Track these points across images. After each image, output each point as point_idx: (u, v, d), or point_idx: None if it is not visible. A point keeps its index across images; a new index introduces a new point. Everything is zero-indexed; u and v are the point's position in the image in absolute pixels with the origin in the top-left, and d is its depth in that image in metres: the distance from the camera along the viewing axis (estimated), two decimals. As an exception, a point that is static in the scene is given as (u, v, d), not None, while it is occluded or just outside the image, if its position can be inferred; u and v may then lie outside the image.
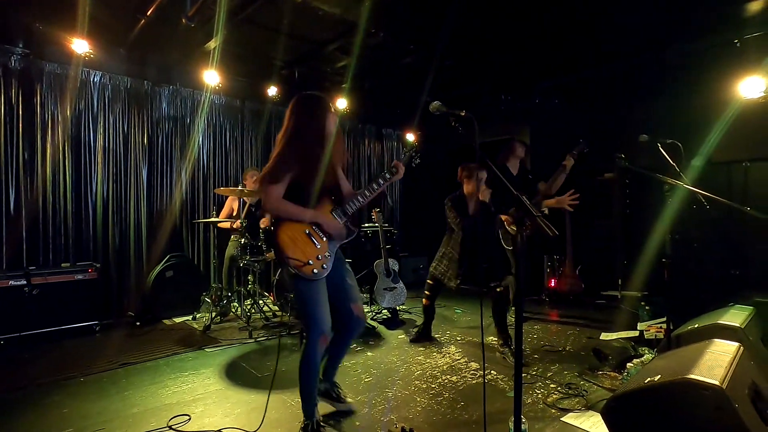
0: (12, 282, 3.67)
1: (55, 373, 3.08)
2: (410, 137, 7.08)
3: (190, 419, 2.44)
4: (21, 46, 4.12)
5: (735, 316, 2.46)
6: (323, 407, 2.45)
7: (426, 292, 3.77)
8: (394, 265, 4.66)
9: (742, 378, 1.73)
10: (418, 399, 2.70)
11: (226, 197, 4.95)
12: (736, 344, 1.94)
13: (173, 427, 2.35)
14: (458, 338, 3.93)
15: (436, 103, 1.94)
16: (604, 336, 3.89)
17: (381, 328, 4.31)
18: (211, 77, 4.69)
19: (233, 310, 4.58)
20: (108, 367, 3.21)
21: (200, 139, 5.30)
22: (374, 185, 2.34)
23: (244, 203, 4.44)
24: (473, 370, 3.16)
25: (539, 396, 2.71)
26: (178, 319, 4.54)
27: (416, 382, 2.95)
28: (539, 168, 5.78)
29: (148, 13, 3.82)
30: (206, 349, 3.64)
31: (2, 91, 4.05)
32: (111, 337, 4.00)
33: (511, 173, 4.22)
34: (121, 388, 2.86)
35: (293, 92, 5.70)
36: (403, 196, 7.63)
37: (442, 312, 4.81)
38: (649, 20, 3.99)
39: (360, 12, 3.74)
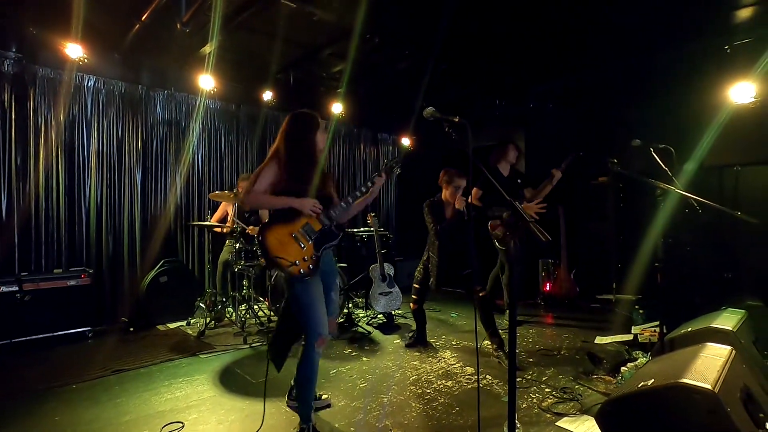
0: (3, 288, 3.63)
1: (47, 381, 3.04)
2: (405, 141, 7.10)
3: (183, 426, 2.42)
4: (14, 50, 4.10)
5: (727, 320, 2.48)
6: (319, 413, 2.44)
7: (413, 296, 3.77)
8: (389, 269, 4.66)
9: (734, 381, 1.74)
10: (414, 404, 2.69)
11: (221, 202, 4.94)
12: (729, 348, 1.96)
13: (166, 434, 2.33)
14: (454, 343, 3.93)
15: (429, 109, 1.96)
16: (599, 339, 3.91)
17: (376, 333, 4.30)
18: (206, 82, 4.68)
19: (228, 315, 4.56)
20: (101, 374, 3.18)
21: (195, 143, 5.28)
22: (357, 193, 2.42)
23: (238, 208, 4.43)
24: (469, 374, 3.16)
25: (534, 400, 2.71)
26: (172, 325, 4.50)
27: (411, 387, 2.94)
28: (534, 171, 5.83)
29: (143, 17, 3.81)
30: (200, 355, 3.61)
31: (-5, 95, 4.03)
32: (104, 343, 3.95)
33: (502, 175, 4.25)
34: (114, 395, 2.83)
35: (288, 97, 5.75)
36: (398, 201, 7.63)
37: (437, 316, 4.81)
38: (642, 26, 4.04)
39: (355, 17, 3.76)
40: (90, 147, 4.56)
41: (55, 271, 4.08)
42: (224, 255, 4.67)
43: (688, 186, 3.10)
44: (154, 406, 2.68)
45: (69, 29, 3.78)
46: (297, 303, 2.24)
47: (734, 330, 2.33)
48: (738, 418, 1.59)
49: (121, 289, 4.71)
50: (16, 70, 4.14)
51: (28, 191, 4.16)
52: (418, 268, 3.73)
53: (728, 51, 4.17)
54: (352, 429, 2.40)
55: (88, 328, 4.02)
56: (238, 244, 4.21)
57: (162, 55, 4.62)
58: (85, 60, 4.08)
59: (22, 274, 3.84)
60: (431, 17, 3.86)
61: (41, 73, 4.25)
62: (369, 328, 4.43)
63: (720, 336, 2.28)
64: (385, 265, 4.64)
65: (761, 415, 1.72)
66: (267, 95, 5.26)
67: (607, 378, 3.00)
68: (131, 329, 4.31)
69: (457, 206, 3.48)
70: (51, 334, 3.81)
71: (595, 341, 3.88)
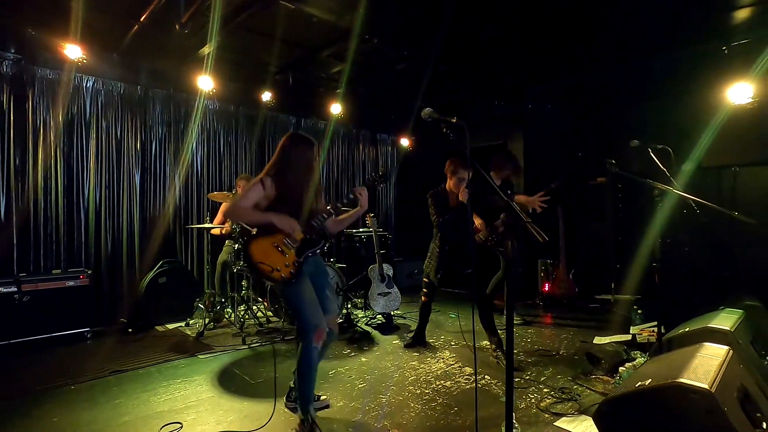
0: (2, 289, 3.63)
1: (45, 382, 3.04)
2: (404, 142, 7.11)
3: (182, 427, 2.42)
4: (13, 51, 4.10)
5: (725, 320, 2.48)
6: (317, 414, 2.44)
7: (423, 289, 3.76)
8: (388, 270, 4.66)
9: (731, 381, 1.75)
10: (412, 404, 2.69)
11: (221, 203, 4.94)
12: (726, 348, 1.96)
13: (165, 435, 2.34)
14: (452, 343, 3.93)
15: (428, 110, 1.97)
16: (598, 340, 3.92)
17: (375, 333, 4.30)
18: (205, 82, 4.68)
19: (227, 316, 4.56)
20: (99, 375, 3.18)
21: (194, 144, 5.28)
22: (338, 204, 2.46)
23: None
24: (467, 375, 3.16)
25: (532, 400, 2.71)
26: (170, 326, 4.50)
27: (410, 388, 2.94)
28: (532, 172, 5.84)
29: (142, 18, 3.81)
30: (199, 356, 3.61)
31: (-6, 96, 4.02)
32: (103, 344, 3.95)
33: (494, 181, 4.27)
34: (113, 396, 2.83)
35: (287, 97, 5.76)
36: (397, 201, 7.64)
37: (436, 317, 4.81)
38: (640, 27, 4.05)
39: (353, 18, 3.76)
40: (89, 148, 4.56)
41: (53, 271, 4.08)
42: (223, 256, 4.67)
43: (686, 186, 3.11)
44: (153, 407, 2.68)
45: (68, 30, 3.79)
46: (290, 304, 2.38)
47: (732, 330, 2.33)
48: (735, 417, 1.60)
49: (120, 289, 4.70)
50: (14, 70, 4.13)
51: (27, 192, 4.16)
52: (425, 262, 3.74)
53: (726, 52, 4.19)
54: (350, 429, 2.40)
55: (87, 329, 4.02)
56: (237, 245, 4.21)
57: (161, 55, 4.62)
58: (84, 61, 4.08)
59: (21, 274, 3.84)
60: (430, 18, 3.87)
61: (40, 74, 4.25)
62: (368, 329, 4.43)
63: (718, 336, 2.29)
64: (384, 265, 4.65)
65: (758, 414, 1.72)
66: (266, 96, 5.27)
67: (606, 378, 3.00)
68: (130, 330, 4.31)
69: (460, 198, 3.48)
70: (49, 335, 3.81)
71: (594, 341, 3.88)
